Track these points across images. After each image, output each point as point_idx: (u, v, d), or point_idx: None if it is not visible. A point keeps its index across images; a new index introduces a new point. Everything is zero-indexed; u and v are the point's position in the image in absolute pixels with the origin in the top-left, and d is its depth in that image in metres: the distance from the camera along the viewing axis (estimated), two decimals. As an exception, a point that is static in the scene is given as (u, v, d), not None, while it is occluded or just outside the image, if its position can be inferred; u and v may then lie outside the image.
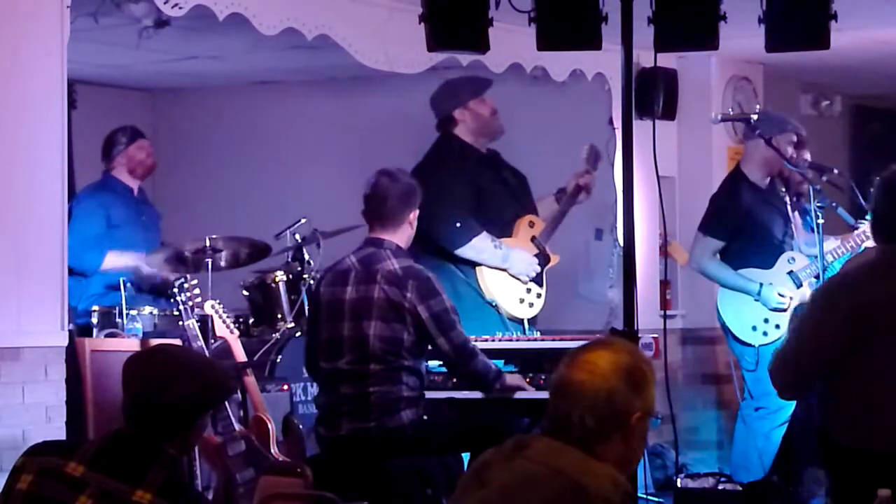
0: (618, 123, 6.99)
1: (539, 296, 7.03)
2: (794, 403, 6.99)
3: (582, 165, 7.13)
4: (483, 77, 7.25)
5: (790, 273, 7.42)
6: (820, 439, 4.43)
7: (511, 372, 5.84)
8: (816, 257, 7.28)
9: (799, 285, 7.43)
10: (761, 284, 7.35)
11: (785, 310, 7.39)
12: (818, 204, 7.30)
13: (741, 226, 7.45)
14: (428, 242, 6.51)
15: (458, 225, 6.74)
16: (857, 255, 7.37)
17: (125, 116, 8.63)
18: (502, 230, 6.96)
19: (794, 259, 7.46)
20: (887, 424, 4.23)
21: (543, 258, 7.05)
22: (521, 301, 6.96)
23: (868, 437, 4.25)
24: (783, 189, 7.59)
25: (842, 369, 4.30)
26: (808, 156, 7.71)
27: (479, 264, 6.88)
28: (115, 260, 7.28)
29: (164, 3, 6.20)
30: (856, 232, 7.48)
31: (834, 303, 4.35)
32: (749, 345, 7.41)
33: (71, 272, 7.12)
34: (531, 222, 7.06)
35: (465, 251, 6.82)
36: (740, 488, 6.99)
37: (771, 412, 7.35)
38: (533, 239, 7.03)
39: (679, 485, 7.14)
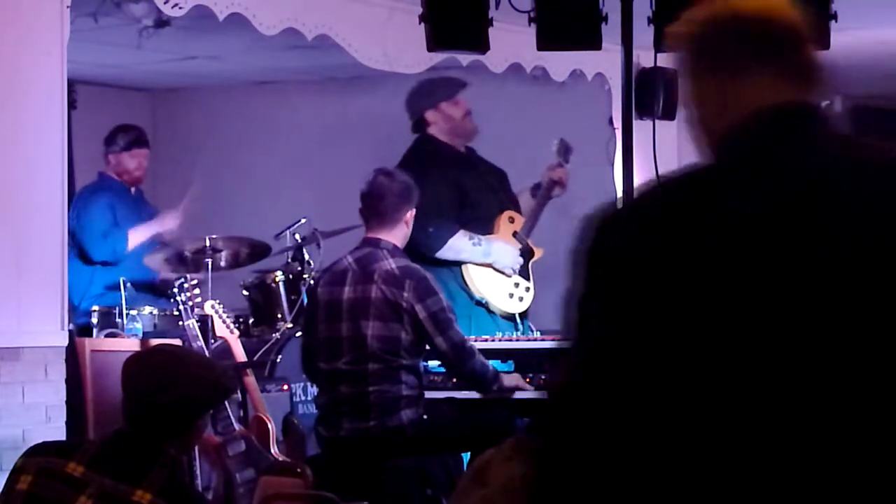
0: (618, 123, 6.99)
1: (528, 289, 7.02)
2: None
3: (554, 159, 7.13)
4: (457, 78, 7.23)
5: None
6: None
7: (507, 372, 5.84)
8: None
9: None
10: None
11: None
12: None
13: None
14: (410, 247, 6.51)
15: (430, 230, 6.70)
16: None
17: (125, 116, 8.63)
18: (484, 227, 6.96)
19: None
20: None
21: (527, 252, 7.05)
22: (511, 296, 6.95)
23: None
24: None
25: None
26: None
27: (464, 263, 6.88)
28: (138, 236, 7.28)
29: (164, 3, 6.20)
30: None
31: None
32: None
33: (91, 262, 7.15)
34: (511, 218, 7.06)
35: (444, 253, 6.80)
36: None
37: None
38: (515, 234, 7.04)
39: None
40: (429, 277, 5.59)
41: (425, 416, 5.56)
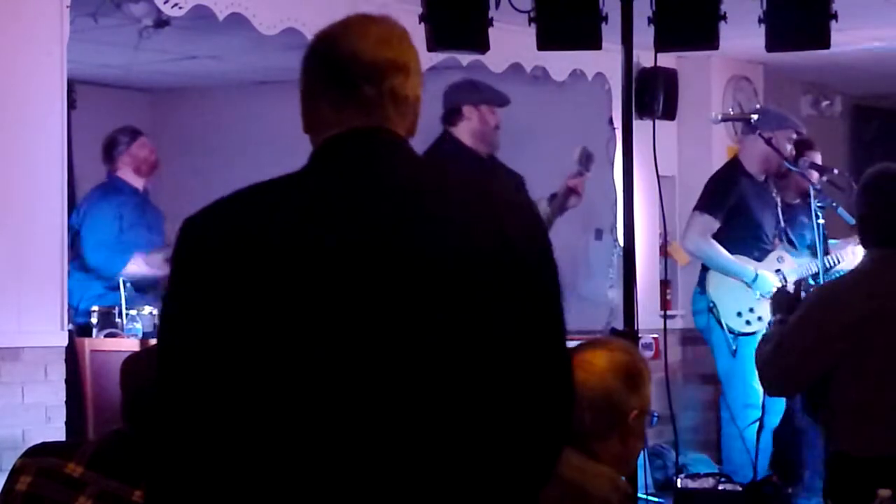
0: (618, 123, 6.99)
1: None
2: (760, 405, 6.96)
3: (574, 168, 7.12)
4: (504, 94, 7.23)
5: (778, 271, 7.43)
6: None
7: None
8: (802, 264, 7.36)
9: (784, 285, 7.45)
10: (757, 272, 7.36)
11: None
12: (818, 204, 7.30)
13: (736, 210, 7.45)
14: None
15: None
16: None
17: (125, 116, 8.63)
18: None
19: (782, 258, 7.47)
20: (883, 432, 4.13)
21: None
22: None
23: (867, 444, 4.15)
24: (774, 191, 7.59)
25: (834, 378, 4.18)
26: (818, 158, 7.68)
27: None
28: (137, 267, 7.27)
29: (164, 3, 6.21)
30: (837, 249, 7.46)
31: (821, 321, 4.18)
32: (731, 331, 7.42)
33: (86, 270, 7.13)
34: None
35: None
36: (740, 488, 6.99)
37: (739, 411, 7.35)
38: None
39: (679, 485, 7.13)
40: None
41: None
